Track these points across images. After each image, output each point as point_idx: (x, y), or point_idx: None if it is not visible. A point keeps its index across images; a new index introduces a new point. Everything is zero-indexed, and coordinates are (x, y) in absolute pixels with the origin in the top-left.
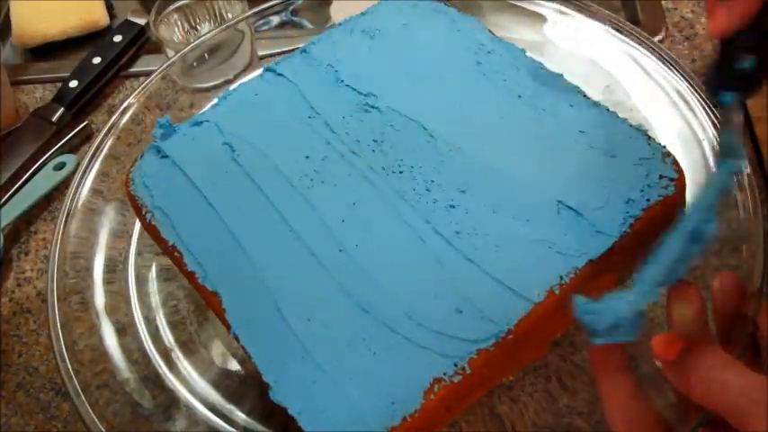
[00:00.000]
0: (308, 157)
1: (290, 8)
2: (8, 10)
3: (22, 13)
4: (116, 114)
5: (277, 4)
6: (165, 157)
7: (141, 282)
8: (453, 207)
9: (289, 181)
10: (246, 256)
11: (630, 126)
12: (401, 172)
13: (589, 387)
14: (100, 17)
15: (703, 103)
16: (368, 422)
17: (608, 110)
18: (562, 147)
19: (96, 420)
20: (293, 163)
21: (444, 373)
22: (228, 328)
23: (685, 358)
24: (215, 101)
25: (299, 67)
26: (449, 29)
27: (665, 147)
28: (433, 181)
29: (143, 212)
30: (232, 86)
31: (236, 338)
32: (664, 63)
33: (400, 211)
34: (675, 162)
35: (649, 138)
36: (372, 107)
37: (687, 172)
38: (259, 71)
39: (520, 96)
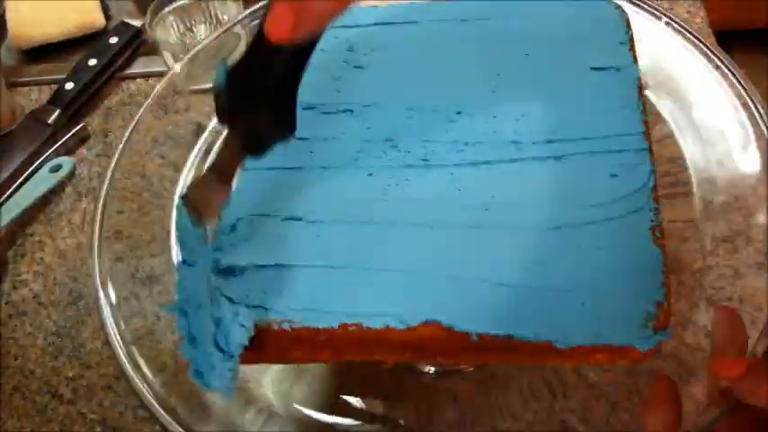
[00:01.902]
0: (371, 174)
1: None
2: (4, 12)
3: (17, 15)
4: (131, 126)
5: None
6: (243, 269)
7: None
8: (528, 119)
9: (380, 199)
10: (422, 277)
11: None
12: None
13: (585, 388)
14: (96, 19)
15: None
16: (636, 308)
17: None
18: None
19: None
20: (368, 185)
21: (657, 233)
22: (464, 340)
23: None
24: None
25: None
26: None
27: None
28: (495, 117)
29: (276, 327)
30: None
31: (481, 337)
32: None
33: (492, 155)
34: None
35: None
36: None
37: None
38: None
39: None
